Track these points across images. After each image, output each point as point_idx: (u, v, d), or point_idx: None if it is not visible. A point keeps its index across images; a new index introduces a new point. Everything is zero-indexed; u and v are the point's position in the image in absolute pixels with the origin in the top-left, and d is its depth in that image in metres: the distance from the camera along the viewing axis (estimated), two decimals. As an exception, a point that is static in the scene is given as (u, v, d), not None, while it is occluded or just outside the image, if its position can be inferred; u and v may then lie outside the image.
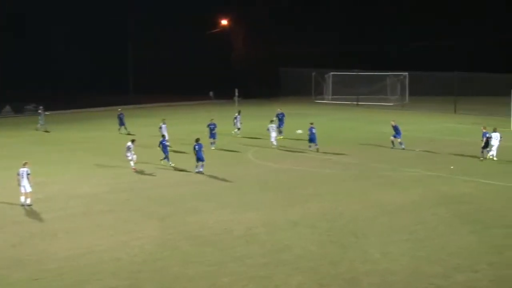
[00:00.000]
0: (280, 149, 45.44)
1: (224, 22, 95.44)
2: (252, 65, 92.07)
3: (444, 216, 27.56)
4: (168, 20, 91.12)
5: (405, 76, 79.61)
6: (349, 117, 64.72)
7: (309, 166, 39.36)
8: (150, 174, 37.53)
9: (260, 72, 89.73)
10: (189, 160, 39.00)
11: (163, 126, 46.44)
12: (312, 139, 44.70)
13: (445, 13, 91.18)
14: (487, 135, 40.24)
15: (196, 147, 37.16)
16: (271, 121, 47.55)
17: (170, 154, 40.17)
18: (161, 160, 39.30)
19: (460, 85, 70.80)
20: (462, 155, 42.53)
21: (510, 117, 54.76)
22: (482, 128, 41.33)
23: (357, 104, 77.55)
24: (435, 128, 56.46)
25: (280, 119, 51.07)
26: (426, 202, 30.00)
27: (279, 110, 52.18)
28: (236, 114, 52.62)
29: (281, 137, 49.63)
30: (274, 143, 46.07)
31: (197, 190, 33.61)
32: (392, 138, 45.03)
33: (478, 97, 74.50)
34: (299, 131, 48.06)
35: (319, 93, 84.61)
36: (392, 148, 44.77)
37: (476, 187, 32.99)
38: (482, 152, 40.37)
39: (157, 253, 23.68)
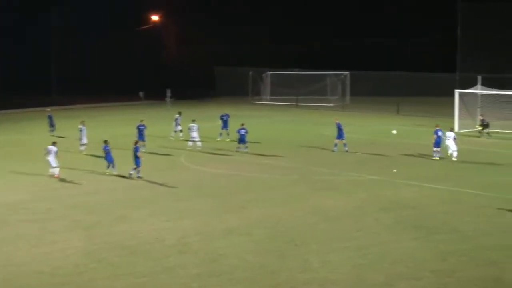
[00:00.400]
0: (215, 153, 45.39)
1: (155, 18, 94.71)
2: (185, 64, 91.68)
3: (386, 222, 27.99)
4: (95, 16, 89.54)
5: (346, 76, 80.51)
6: (288, 119, 65.18)
7: (246, 171, 39.43)
8: (73, 181, 36.82)
9: (194, 71, 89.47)
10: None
11: (83, 128, 46.16)
12: (241, 140, 44.89)
13: (389, 12, 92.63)
14: (439, 133, 41.66)
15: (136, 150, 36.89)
16: (193, 120, 47.55)
17: (91, 159, 39.54)
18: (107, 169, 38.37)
19: (402, 85, 72.03)
20: (405, 158, 43.35)
21: (454, 118, 55.94)
22: (435, 126, 42.96)
23: (297, 105, 78.13)
24: (377, 130, 57.34)
25: (225, 120, 51.07)
26: (368, 208, 30.42)
27: (223, 112, 52.21)
28: (177, 115, 52.30)
29: (228, 139, 49.78)
30: (190, 144, 46.46)
31: (127, 197, 33.27)
32: (336, 140, 45.50)
33: (421, 97, 75.93)
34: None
35: (257, 93, 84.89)
36: (334, 151, 45.25)
37: (420, 192, 33.62)
38: (434, 151, 41.63)
39: (82, 265, 23.29)
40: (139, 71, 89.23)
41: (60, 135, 50.98)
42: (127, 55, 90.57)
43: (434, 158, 41.91)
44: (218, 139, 50.03)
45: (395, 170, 38.60)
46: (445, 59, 77.30)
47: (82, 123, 46.76)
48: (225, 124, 50.93)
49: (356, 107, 73.09)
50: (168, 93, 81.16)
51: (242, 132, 45.15)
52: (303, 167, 40.34)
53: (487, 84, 58.27)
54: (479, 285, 20.98)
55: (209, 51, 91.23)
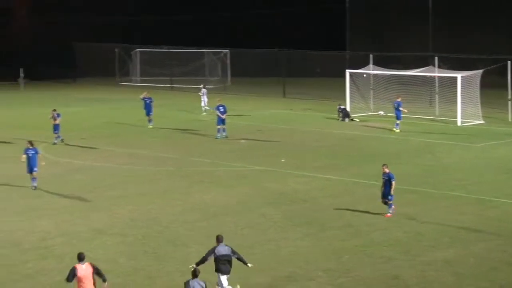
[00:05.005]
0: (80, 145, 44.85)
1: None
2: (40, 39, 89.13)
3: (275, 218, 28.53)
4: None
5: (225, 54, 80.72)
6: (161, 103, 64.95)
7: (115, 162, 39.20)
8: None
9: (50, 47, 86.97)
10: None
11: None
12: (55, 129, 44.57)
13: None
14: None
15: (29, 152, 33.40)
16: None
17: None
18: None
19: (288, 65, 73.06)
20: (294, 146, 44.22)
21: (346, 101, 57.28)
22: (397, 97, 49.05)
23: (172, 87, 77.87)
24: (262, 114, 58.08)
25: (148, 104, 50.66)
26: (254, 202, 30.91)
27: (146, 94, 51.69)
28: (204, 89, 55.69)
29: (151, 126, 49.81)
30: None
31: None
32: (218, 126, 46.00)
33: (308, 78, 77.17)
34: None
35: (125, 73, 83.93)
36: (217, 138, 45.75)
37: (311, 183, 34.41)
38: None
39: None
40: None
41: None
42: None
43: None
44: (150, 126, 50.10)
45: (283, 160, 39.32)
46: (334, 36, 79.00)
47: None
48: (149, 108, 50.71)
49: (239, 89, 73.56)
50: (21, 73, 79.15)
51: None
52: (179, 158, 40.46)
53: (379, 63, 60.07)
54: (377, 284, 21.76)
55: (67, 23, 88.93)
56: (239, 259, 20.40)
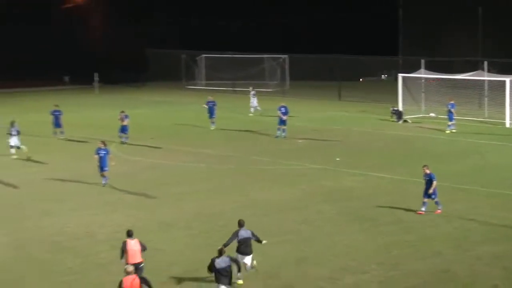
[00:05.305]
0: (147, 145, 45.27)
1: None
2: (113, 46, 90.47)
3: (330, 214, 28.44)
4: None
5: (284, 59, 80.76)
6: (225, 105, 65.25)
7: (180, 160, 39.48)
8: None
9: (123, 54, 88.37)
10: (33, 154, 38.53)
11: None
12: (123, 130, 44.92)
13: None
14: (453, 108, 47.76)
15: (101, 152, 33.65)
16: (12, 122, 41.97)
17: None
18: None
19: (343, 69, 72.80)
20: (349, 145, 44.02)
21: (398, 103, 56.89)
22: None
23: (234, 90, 78.10)
24: (319, 116, 57.95)
25: (211, 107, 50.83)
26: (310, 199, 30.81)
27: (210, 98, 51.96)
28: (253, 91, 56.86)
29: (213, 128, 49.81)
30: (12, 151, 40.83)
31: (48, 190, 32.97)
32: (279, 126, 46.39)
33: (363, 82, 76.86)
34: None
35: (191, 77, 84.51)
36: (276, 137, 45.97)
37: (364, 181, 34.22)
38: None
39: (9, 262, 23.15)
40: (63, 54, 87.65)
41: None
42: (49, 36, 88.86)
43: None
44: (212, 128, 50.19)
45: (338, 159, 39.18)
46: (387, 42, 78.55)
47: None
48: (212, 112, 50.68)
49: (297, 92, 73.50)
50: (96, 77, 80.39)
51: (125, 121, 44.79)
52: (241, 156, 40.58)
53: (430, 68, 59.52)
54: (427, 277, 21.53)
55: (139, 32, 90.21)
56: (257, 240, 21.20)
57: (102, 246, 24.45)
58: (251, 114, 57.61)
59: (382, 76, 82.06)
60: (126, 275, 17.39)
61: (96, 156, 33.33)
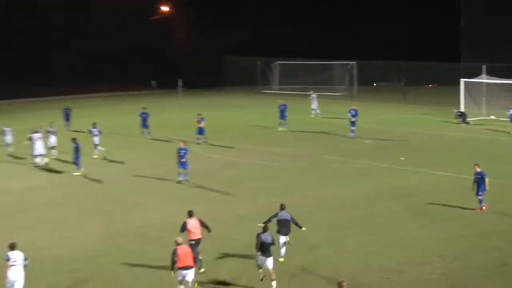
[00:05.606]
0: (220, 145, 45.54)
1: (165, 8, 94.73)
2: (195, 53, 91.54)
3: (395, 210, 28.14)
4: (105, 4, 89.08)
5: (352, 65, 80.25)
6: (296, 107, 65.19)
7: (256, 159, 39.60)
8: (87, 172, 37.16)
9: (203, 61, 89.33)
10: (117, 154, 39.35)
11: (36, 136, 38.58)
12: (200, 132, 44.97)
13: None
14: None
15: (181, 151, 33.91)
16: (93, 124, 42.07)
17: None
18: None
19: (407, 75, 72.07)
20: (413, 146, 43.44)
21: (460, 106, 55.93)
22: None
23: (305, 94, 77.85)
24: (385, 118, 57.34)
25: (282, 110, 50.86)
26: (376, 196, 30.54)
27: (281, 101, 51.99)
28: (313, 95, 57.40)
29: (286, 129, 49.93)
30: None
31: (136, 186, 33.49)
32: (352, 127, 46.46)
33: (426, 86, 75.88)
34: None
35: (266, 83, 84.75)
36: (350, 137, 45.98)
37: (426, 179, 33.70)
38: None
39: (99, 250, 23.66)
40: (150, 61, 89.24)
41: (75, 129, 49.34)
42: (139, 45, 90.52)
43: None
44: (280, 129, 50.16)
45: (403, 158, 38.70)
46: (449, 49, 77.20)
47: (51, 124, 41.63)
48: (283, 114, 50.67)
49: (364, 96, 72.80)
50: (180, 82, 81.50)
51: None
52: (311, 155, 40.46)
53: (492, 73, 58.28)
54: (486, 270, 21.13)
55: (218, 40, 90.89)
56: (296, 224, 22.39)
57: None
58: (312, 116, 57.34)
59: (375, 83, 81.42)
60: (177, 246, 19.22)
61: (177, 155, 33.69)
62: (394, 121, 55.96)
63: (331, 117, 56.75)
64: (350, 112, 46.75)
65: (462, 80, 57.66)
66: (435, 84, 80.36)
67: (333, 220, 26.70)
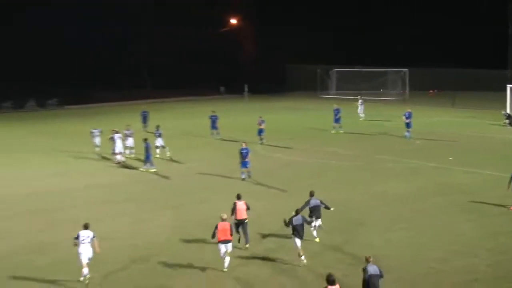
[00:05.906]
0: (278, 146, 45.61)
1: (233, 21, 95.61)
2: (261, 62, 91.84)
3: (443, 206, 27.79)
4: (179, 18, 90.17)
5: (405, 72, 79.50)
6: (350, 111, 64.85)
7: (313, 158, 39.60)
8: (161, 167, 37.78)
9: (267, 68, 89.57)
10: (188, 153, 39.12)
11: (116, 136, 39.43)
12: (260, 132, 44.94)
13: (442, 9, 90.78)
14: None
15: (243, 151, 33.93)
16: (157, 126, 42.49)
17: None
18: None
19: (457, 81, 70.98)
20: (460, 146, 42.74)
21: (506, 110, 54.66)
22: None
23: (355, 99, 77.24)
24: (434, 121, 56.53)
25: (336, 114, 50.54)
26: (425, 193, 30.20)
27: (335, 106, 51.54)
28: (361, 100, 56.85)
29: (341, 131, 49.63)
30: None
31: (205, 182, 33.85)
32: (407, 129, 46.25)
33: (474, 92, 74.36)
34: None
35: (325, 88, 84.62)
36: (405, 136, 45.60)
37: (473, 178, 33.16)
38: None
39: (171, 239, 24.08)
40: (220, 68, 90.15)
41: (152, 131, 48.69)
42: (210, 54, 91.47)
43: None
44: (333, 131, 49.95)
45: (451, 158, 38.14)
46: (496, 56, 75.63)
47: (114, 131, 40.04)
48: (337, 118, 50.32)
49: (416, 101, 71.80)
50: (246, 88, 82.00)
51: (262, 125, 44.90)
52: (366, 155, 40.23)
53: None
54: (530, 263, 20.75)
55: (282, 50, 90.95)
56: (326, 207, 23.40)
57: (250, 228, 24.85)
58: (361, 119, 56.95)
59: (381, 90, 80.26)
60: (221, 221, 20.73)
61: (240, 154, 33.91)
62: (443, 123, 55.12)
63: (382, 119, 56.28)
64: (404, 115, 46.45)
65: (509, 86, 56.49)
66: (436, 90, 79.09)
67: (385, 214, 26.55)
